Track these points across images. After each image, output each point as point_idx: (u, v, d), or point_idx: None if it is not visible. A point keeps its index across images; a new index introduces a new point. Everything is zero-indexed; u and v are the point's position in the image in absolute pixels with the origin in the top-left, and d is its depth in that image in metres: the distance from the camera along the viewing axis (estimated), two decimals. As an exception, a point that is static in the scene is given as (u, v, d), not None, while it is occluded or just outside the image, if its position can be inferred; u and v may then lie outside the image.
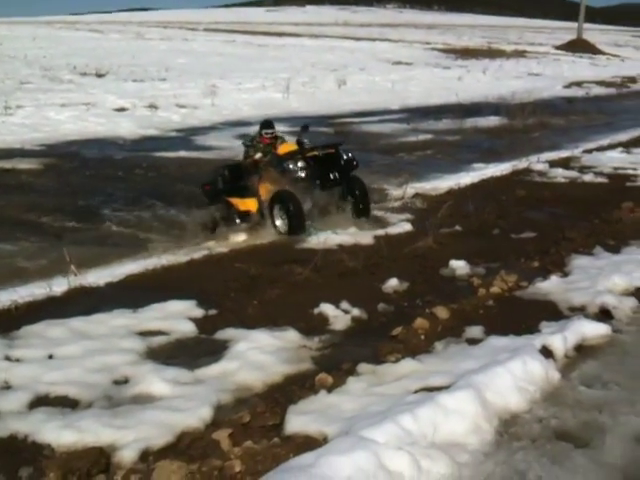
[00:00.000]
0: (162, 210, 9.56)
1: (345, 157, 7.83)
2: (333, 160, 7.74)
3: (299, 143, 7.95)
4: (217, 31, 58.20)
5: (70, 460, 3.19)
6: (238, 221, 8.00)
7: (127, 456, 3.30)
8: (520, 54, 45.98)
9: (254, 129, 8.31)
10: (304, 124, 8.38)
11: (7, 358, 4.31)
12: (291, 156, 7.62)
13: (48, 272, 6.58)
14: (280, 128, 11.80)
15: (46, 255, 7.45)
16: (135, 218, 9.13)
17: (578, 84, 29.70)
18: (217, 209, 8.19)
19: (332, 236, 7.32)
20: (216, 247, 7.15)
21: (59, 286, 5.75)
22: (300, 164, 7.51)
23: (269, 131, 8.15)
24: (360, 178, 8.07)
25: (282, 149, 7.85)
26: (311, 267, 6.06)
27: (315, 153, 7.68)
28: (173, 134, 16.03)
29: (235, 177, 8.11)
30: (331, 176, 7.60)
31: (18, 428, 3.48)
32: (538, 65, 38.92)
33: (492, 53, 45.49)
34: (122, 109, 18.83)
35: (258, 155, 7.99)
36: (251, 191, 7.97)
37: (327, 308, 5.24)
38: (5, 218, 8.89)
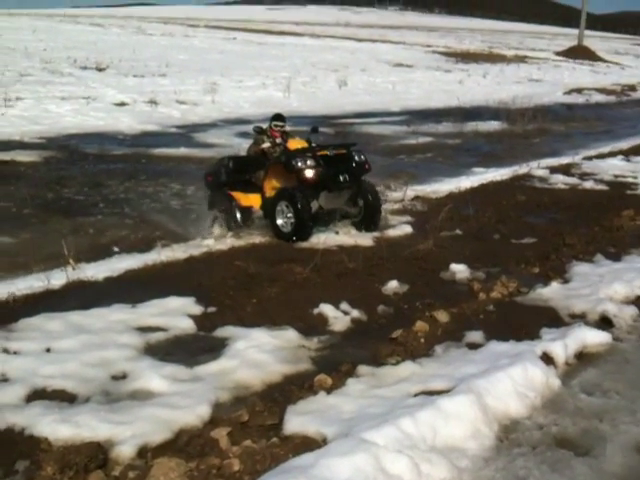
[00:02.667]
0: (162, 205, 9.53)
1: (357, 159, 7.50)
2: (344, 161, 7.43)
3: (309, 143, 7.72)
4: (218, 28, 58.10)
5: (67, 454, 3.16)
6: (239, 216, 7.67)
7: (125, 452, 3.28)
8: (521, 59, 46.02)
9: (267, 123, 8.11)
10: (313, 126, 8.12)
11: (4, 351, 4.28)
12: (301, 153, 7.31)
13: (46, 265, 6.55)
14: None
15: (44, 248, 7.41)
16: (134, 212, 9.09)
17: (578, 91, 29.75)
18: (217, 208, 7.90)
19: (332, 236, 7.29)
20: (215, 244, 7.11)
21: (57, 279, 5.71)
22: (310, 162, 7.16)
23: (280, 124, 7.90)
24: (373, 184, 7.77)
25: (292, 144, 7.55)
26: (311, 267, 6.04)
27: (326, 152, 7.38)
28: (173, 130, 15.98)
29: (239, 169, 7.84)
30: (341, 178, 7.27)
31: (15, 421, 3.45)
32: (538, 71, 38.97)
33: (493, 57, 45.53)
34: (122, 104, 18.77)
35: (266, 145, 7.73)
36: (255, 186, 7.68)
37: (326, 308, 5.22)
38: (3, 210, 8.85)
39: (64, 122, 15.60)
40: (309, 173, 7.13)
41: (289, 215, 7.16)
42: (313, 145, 7.65)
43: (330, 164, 7.27)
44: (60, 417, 3.48)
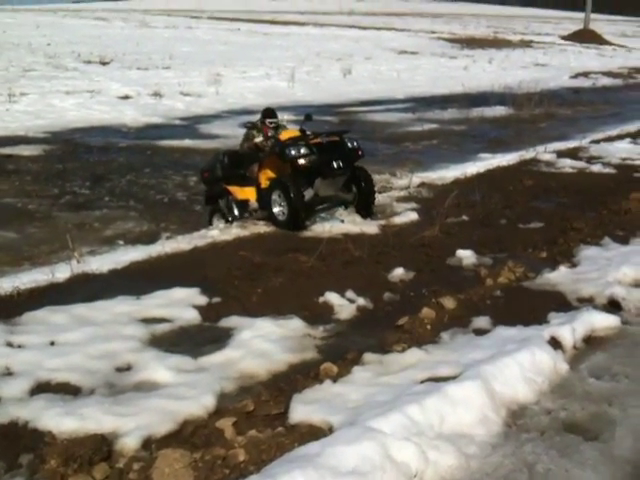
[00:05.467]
0: (166, 197, 9.52)
1: (350, 146, 7.51)
2: (337, 148, 7.45)
3: (302, 132, 7.67)
4: (221, 19, 57.93)
5: (71, 447, 3.14)
6: (236, 210, 7.67)
7: (129, 444, 3.25)
8: (526, 44, 45.65)
9: (258, 117, 8.09)
10: (307, 113, 8.06)
11: (9, 344, 4.26)
12: (294, 142, 7.32)
13: (50, 258, 6.54)
14: (285, 117, 11.77)
15: (49, 242, 7.41)
16: (139, 205, 9.08)
17: (585, 75, 29.49)
18: (214, 203, 7.90)
19: (337, 224, 7.25)
20: (220, 235, 7.08)
21: (62, 272, 5.70)
22: (303, 150, 7.18)
23: (272, 120, 7.90)
24: (366, 169, 7.76)
25: (284, 135, 7.55)
26: (316, 256, 6.00)
27: (319, 140, 7.39)
28: (177, 122, 15.95)
29: (234, 164, 7.84)
30: (334, 165, 7.29)
31: (19, 414, 3.43)
32: (544, 55, 38.64)
33: (498, 43, 45.19)
34: (126, 97, 18.75)
35: (259, 139, 7.74)
36: (250, 179, 7.69)
37: (332, 297, 5.18)
38: (8, 204, 8.87)
39: (68, 116, 15.60)
40: (303, 161, 7.15)
41: (282, 204, 7.20)
42: (307, 133, 7.65)
43: (323, 152, 7.27)
44: (64, 410, 3.46)
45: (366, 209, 7.63)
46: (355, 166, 7.61)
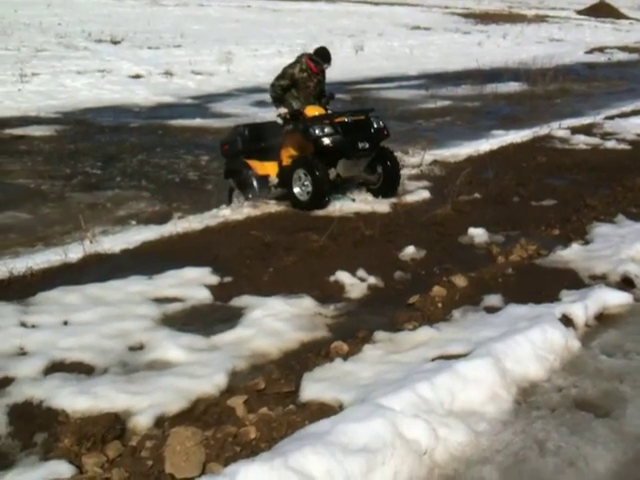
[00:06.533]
0: (178, 176, 9.53)
1: (376, 125, 7.32)
2: (362, 128, 7.26)
3: (325, 110, 7.53)
4: (233, -3, 57.44)
5: (85, 426, 3.17)
6: (256, 185, 7.51)
7: (142, 422, 3.28)
8: (541, 19, 45.03)
9: (303, 53, 7.81)
10: (330, 92, 7.93)
11: (22, 324, 4.30)
12: (318, 120, 7.15)
13: (63, 239, 6.58)
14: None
15: (62, 222, 7.45)
16: (151, 185, 9.10)
17: (600, 50, 29.08)
18: (234, 177, 7.80)
19: (348, 203, 7.22)
20: (231, 215, 7.08)
21: (75, 253, 5.72)
22: (327, 130, 6.98)
23: (319, 60, 7.47)
24: (391, 150, 7.59)
25: (309, 111, 7.34)
26: (327, 235, 5.99)
27: (344, 119, 7.21)
28: (189, 101, 15.90)
29: (255, 138, 7.68)
30: (360, 145, 7.10)
31: (33, 394, 3.47)
32: (559, 30, 38.12)
33: (513, 18, 44.58)
34: (137, 76, 18.70)
35: (282, 110, 7.42)
36: (271, 154, 7.51)
37: (343, 276, 5.18)
38: (20, 185, 8.91)
39: (80, 96, 15.58)
40: (327, 141, 6.98)
41: (306, 183, 7.04)
42: (330, 112, 7.52)
43: (348, 131, 7.10)
44: (78, 389, 3.50)
45: (390, 191, 7.48)
46: (381, 146, 7.44)
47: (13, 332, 4.15)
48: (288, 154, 7.39)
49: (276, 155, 7.50)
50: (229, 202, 7.65)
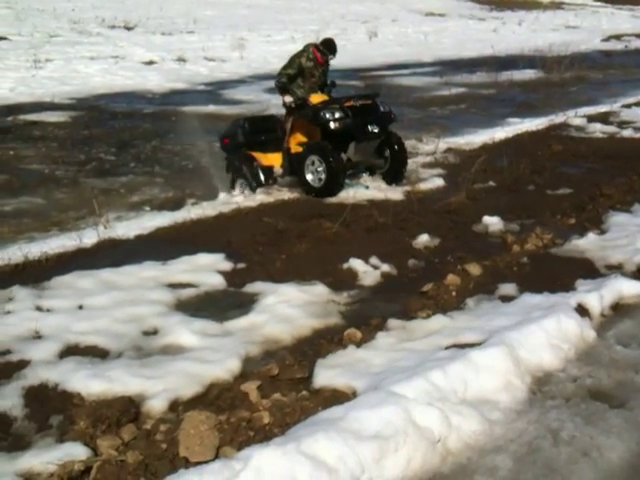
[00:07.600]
0: (191, 163, 9.53)
1: (382, 109, 7.33)
2: (370, 112, 7.23)
3: (329, 97, 7.52)
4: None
5: (99, 409, 3.19)
6: (262, 176, 7.52)
7: (156, 406, 3.30)
8: (557, 6, 44.56)
9: (309, 43, 7.79)
10: (331, 80, 7.91)
11: (38, 308, 4.33)
12: (327, 105, 7.12)
13: (78, 224, 6.61)
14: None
15: (76, 208, 7.49)
16: (164, 171, 9.11)
17: (617, 37, 28.77)
18: (237, 170, 7.76)
19: (361, 191, 7.20)
20: (244, 201, 7.08)
21: (89, 238, 5.76)
22: (337, 114, 6.97)
23: (325, 51, 7.43)
24: (398, 134, 7.56)
25: (314, 99, 7.33)
26: (340, 222, 5.98)
27: (352, 103, 7.18)
28: (201, 88, 15.89)
29: (255, 130, 7.68)
30: (369, 128, 7.07)
31: (48, 377, 3.49)
32: (576, 17, 37.71)
33: (528, 4, 44.11)
34: (150, 62, 18.71)
35: (288, 99, 7.39)
36: (273, 145, 7.53)
37: (356, 263, 5.16)
38: (35, 170, 8.95)
39: (93, 82, 15.63)
40: (337, 124, 6.96)
41: (319, 169, 7.00)
42: (335, 98, 7.50)
43: (357, 115, 7.08)
44: (92, 372, 3.52)
45: (397, 175, 7.47)
46: (388, 131, 7.43)
47: (28, 316, 4.18)
48: (296, 141, 7.37)
49: (279, 146, 7.49)
50: (232, 192, 7.63)
